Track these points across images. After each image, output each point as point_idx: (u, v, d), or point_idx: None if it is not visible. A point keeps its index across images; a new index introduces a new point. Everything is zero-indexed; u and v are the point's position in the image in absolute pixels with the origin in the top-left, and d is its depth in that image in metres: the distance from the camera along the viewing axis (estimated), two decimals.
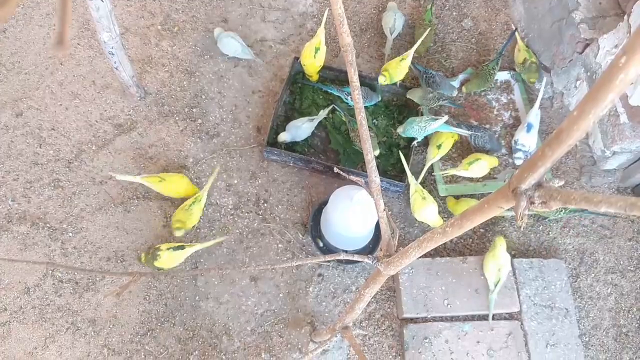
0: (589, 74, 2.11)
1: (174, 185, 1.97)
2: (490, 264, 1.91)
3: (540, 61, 2.36)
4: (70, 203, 2.02)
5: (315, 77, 2.23)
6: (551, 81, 2.32)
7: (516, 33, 2.31)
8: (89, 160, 2.10)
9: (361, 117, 0.92)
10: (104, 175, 2.07)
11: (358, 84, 0.88)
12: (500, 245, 1.91)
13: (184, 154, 2.13)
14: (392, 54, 2.33)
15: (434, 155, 2.08)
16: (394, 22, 2.31)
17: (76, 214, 2.01)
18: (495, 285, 1.90)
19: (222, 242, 1.97)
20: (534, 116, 2.11)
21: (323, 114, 2.11)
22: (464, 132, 2.10)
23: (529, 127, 2.09)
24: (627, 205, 0.58)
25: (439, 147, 2.08)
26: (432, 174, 2.13)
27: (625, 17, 1.95)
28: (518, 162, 2.12)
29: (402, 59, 2.15)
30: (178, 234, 1.90)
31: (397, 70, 2.14)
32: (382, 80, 2.14)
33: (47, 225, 1.98)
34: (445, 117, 2.05)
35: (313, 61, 2.14)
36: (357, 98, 0.89)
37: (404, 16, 2.39)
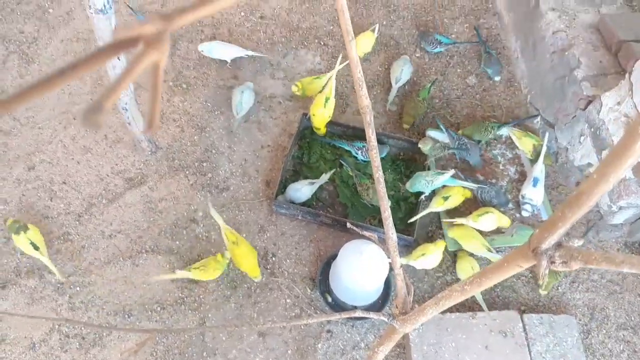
0: (592, 129, 2.15)
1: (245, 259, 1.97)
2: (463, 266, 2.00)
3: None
4: (79, 257, 2.02)
5: (323, 130, 2.26)
6: (555, 137, 2.35)
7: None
8: (99, 213, 2.11)
9: (379, 175, 0.94)
10: (113, 229, 2.08)
11: (375, 143, 0.91)
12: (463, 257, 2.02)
13: (193, 207, 2.15)
14: (396, 102, 2.39)
15: (437, 205, 2.10)
16: (400, 72, 2.40)
17: (84, 267, 2.01)
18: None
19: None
20: (540, 171, 2.14)
21: (325, 177, 2.14)
22: (471, 185, 2.13)
23: (535, 182, 2.12)
24: None
25: (445, 198, 2.10)
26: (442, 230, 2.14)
27: (627, 75, 2.00)
28: (525, 214, 2.14)
29: (317, 77, 2.35)
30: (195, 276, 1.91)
31: (310, 86, 2.33)
32: (294, 89, 2.34)
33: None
34: (452, 172, 2.07)
35: (323, 111, 2.18)
36: (374, 157, 0.91)
37: (412, 67, 2.45)
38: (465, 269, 2.01)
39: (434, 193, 2.17)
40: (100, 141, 2.26)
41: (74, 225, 2.09)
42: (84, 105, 2.33)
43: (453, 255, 2.09)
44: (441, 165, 2.25)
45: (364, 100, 0.85)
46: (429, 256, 1.99)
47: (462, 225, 2.05)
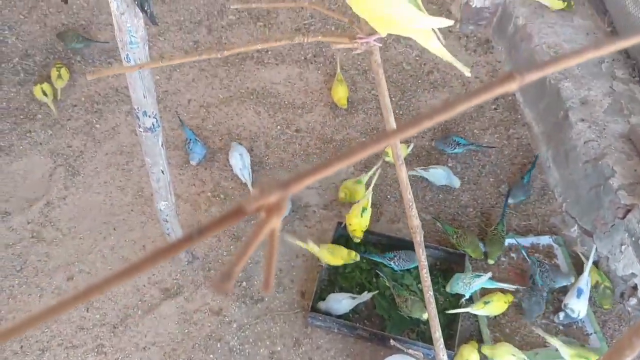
0: (633, 239, 2.12)
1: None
2: None
3: (581, 225, 2.38)
4: None
5: (359, 234, 2.25)
6: (594, 245, 2.32)
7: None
8: (134, 325, 2.10)
9: (429, 295, 0.93)
10: (148, 341, 2.06)
11: (426, 263, 0.91)
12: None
13: (227, 319, 2.12)
14: (430, 211, 2.40)
15: (477, 308, 2.07)
16: (450, 180, 2.49)
17: None
18: None
19: None
20: (585, 283, 2.09)
21: (367, 296, 2.11)
22: (510, 287, 2.12)
23: (579, 293, 2.07)
24: None
25: (485, 303, 2.07)
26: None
27: None
28: (557, 320, 2.13)
29: (359, 181, 2.39)
30: None
31: (355, 191, 2.37)
32: (341, 196, 2.39)
33: None
34: (489, 274, 2.08)
35: (359, 220, 2.21)
36: (425, 276, 0.91)
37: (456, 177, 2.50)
38: None
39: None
40: (138, 252, 2.29)
41: (108, 337, 2.07)
42: (124, 216, 2.39)
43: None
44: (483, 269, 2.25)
45: (414, 220, 0.86)
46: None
47: (497, 344, 2.00)
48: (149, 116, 1.69)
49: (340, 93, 2.74)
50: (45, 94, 2.67)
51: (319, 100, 2.82)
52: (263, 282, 0.40)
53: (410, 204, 0.86)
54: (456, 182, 2.48)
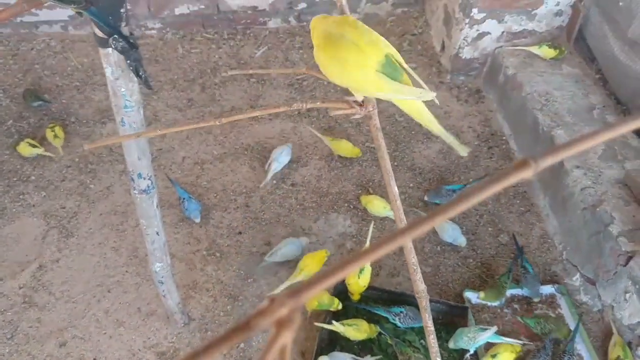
0: (637, 286, 2.08)
1: None
2: None
3: (583, 273, 2.35)
4: None
5: (356, 297, 2.22)
6: (598, 294, 2.28)
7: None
8: None
9: None
10: None
11: (432, 328, 0.88)
12: None
13: None
14: (430, 263, 2.36)
15: None
16: (453, 234, 2.44)
17: None
18: None
19: None
20: None
21: None
22: (516, 342, 2.06)
23: None
24: None
25: (493, 357, 2.01)
26: None
27: None
28: None
29: (361, 269, 2.19)
30: None
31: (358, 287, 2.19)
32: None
33: None
34: (495, 328, 2.03)
35: (357, 281, 2.16)
36: (432, 342, 0.88)
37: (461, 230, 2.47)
38: None
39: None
40: (133, 314, 2.23)
41: None
42: (118, 277, 2.34)
43: None
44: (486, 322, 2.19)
45: (420, 285, 0.83)
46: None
47: None
48: (144, 178, 1.67)
49: (345, 145, 2.75)
50: (56, 135, 2.74)
51: (314, 154, 2.82)
52: None
53: (415, 267, 0.83)
54: (462, 241, 2.44)
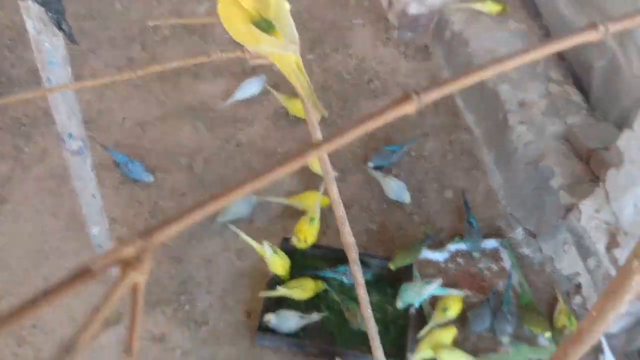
0: (575, 238, 2.14)
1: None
2: None
3: (525, 227, 2.40)
4: None
5: (310, 241, 2.21)
6: (539, 246, 2.33)
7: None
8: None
9: (368, 312, 0.88)
10: None
11: (362, 281, 0.86)
12: None
13: (171, 345, 2.03)
14: (376, 220, 2.37)
15: (439, 318, 2.04)
16: (398, 191, 2.44)
17: None
18: None
19: None
20: None
21: (315, 317, 2.06)
22: (460, 293, 2.11)
23: None
24: None
25: (444, 310, 2.05)
26: None
27: (601, 183, 2.02)
28: None
29: (312, 218, 2.20)
30: None
31: (310, 233, 2.19)
32: (296, 242, 2.18)
33: None
34: (440, 280, 2.06)
35: (309, 227, 2.19)
36: (362, 295, 0.86)
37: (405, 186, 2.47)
38: None
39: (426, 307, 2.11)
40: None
41: None
42: (57, 243, 2.27)
43: None
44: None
45: (348, 237, 0.82)
46: (437, 342, 1.95)
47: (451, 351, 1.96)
48: (75, 139, 1.60)
49: (300, 105, 2.70)
50: None
51: (260, 113, 2.77)
52: (126, 345, 0.34)
53: (343, 220, 0.81)
54: (407, 198, 2.45)
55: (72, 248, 2.26)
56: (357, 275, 0.84)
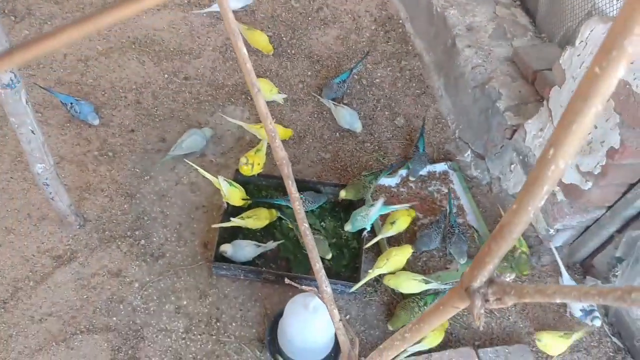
0: (521, 157, 2.20)
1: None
2: None
3: (473, 149, 2.45)
4: (6, 347, 1.87)
5: (257, 169, 2.20)
6: (487, 167, 2.40)
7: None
8: (27, 297, 1.98)
9: (304, 227, 0.90)
10: (44, 312, 1.95)
11: (297, 194, 0.88)
12: None
13: (128, 279, 2.04)
14: (329, 149, 2.38)
15: (386, 230, 2.10)
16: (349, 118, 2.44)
17: (13, 358, 1.85)
18: None
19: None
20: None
21: (271, 245, 2.08)
22: (405, 206, 2.17)
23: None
24: (580, 295, 0.57)
25: (392, 223, 2.11)
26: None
27: (545, 102, 2.06)
28: (597, 324, 2.03)
29: (258, 149, 2.20)
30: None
31: (259, 159, 2.19)
32: (245, 170, 2.17)
33: None
34: (382, 199, 2.09)
35: (257, 153, 2.18)
36: (297, 209, 0.88)
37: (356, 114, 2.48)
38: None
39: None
40: (23, 220, 2.13)
41: None
42: (3, 184, 2.22)
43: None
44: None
45: (279, 152, 0.82)
46: (393, 259, 1.99)
47: (395, 273, 2.02)
48: (5, 70, 1.53)
49: (260, 37, 2.63)
50: None
51: (207, 45, 2.70)
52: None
53: (273, 134, 0.81)
54: (358, 127, 2.46)
55: (19, 189, 2.21)
56: (292, 189, 0.85)
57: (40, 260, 2.06)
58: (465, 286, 0.70)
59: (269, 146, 2.21)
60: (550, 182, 0.58)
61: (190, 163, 2.21)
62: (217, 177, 2.09)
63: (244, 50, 0.72)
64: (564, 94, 1.95)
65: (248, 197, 2.17)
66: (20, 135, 1.70)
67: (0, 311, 1.94)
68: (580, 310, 2.04)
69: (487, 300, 0.68)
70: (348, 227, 2.09)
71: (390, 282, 1.99)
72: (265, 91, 2.45)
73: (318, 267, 0.92)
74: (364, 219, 2.04)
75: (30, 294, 1.99)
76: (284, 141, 2.40)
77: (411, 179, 2.34)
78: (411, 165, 2.32)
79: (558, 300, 0.61)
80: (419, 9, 2.76)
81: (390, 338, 0.89)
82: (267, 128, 0.80)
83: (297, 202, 0.87)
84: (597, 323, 2.00)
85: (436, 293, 2.01)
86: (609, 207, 2.05)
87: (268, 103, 2.47)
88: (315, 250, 0.91)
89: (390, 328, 1.96)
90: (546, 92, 2.08)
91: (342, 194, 2.18)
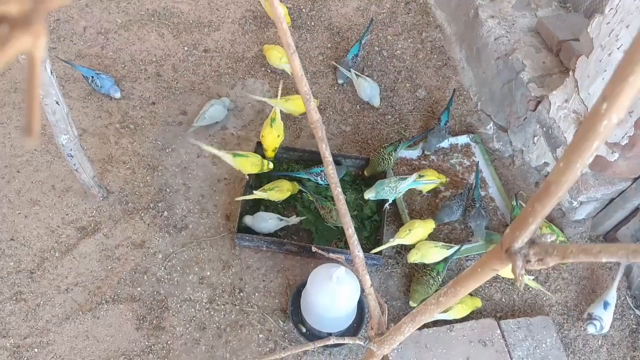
0: (544, 129, 2.17)
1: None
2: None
3: (496, 122, 2.42)
4: (34, 316, 1.91)
5: (270, 154, 2.19)
6: (509, 140, 2.37)
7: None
8: (53, 268, 2.01)
9: (338, 191, 0.90)
10: (69, 282, 1.98)
11: (331, 158, 0.87)
12: None
13: (152, 250, 2.06)
14: (350, 122, 2.37)
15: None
16: (370, 89, 2.42)
17: (41, 327, 1.89)
18: None
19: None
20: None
21: (295, 220, 2.08)
22: (435, 181, 2.15)
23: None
24: (629, 254, 0.56)
25: (421, 176, 2.12)
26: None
27: (570, 73, 2.03)
28: (591, 331, 1.95)
29: (272, 119, 2.14)
30: None
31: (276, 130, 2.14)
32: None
33: (10, 342, 1.85)
34: (415, 175, 2.06)
35: (270, 130, 2.13)
36: (331, 173, 0.87)
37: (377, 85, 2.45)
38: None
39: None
40: (47, 192, 2.16)
41: (26, 283, 1.97)
42: (27, 157, 2.24)
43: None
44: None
45: (314, 115, 0.81)
46: (415, 231, 1.99)
47: (415, 245, 2.01)
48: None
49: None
50: None
51: (226, 17, 2.68)
52: (25, 125, 0.32)
53: (308, 97, 0.80)
54: (377, 102, 2.44)
55: (44, 161, 2.23)
56: (326, 153, 0.84)
57: (65, 232, 2.08)
58: (506, 247, 0.69)
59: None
60: (601, 137, 0.56)
61: (193, 141, 2.16)
62: (220, 152, 2.04)
63: (280, 9, 0.71)
64: (591, 64, 1.91)
65: (268, 159, 2.15)
66: (45, 106, 1.71)
67: (27, 281, 1.98)
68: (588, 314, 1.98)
69: (528, 261, 0.68)
70: (370, 195, 2.06)
71: (414, 257, 1.98)
72: (275, 59, 2.43)
73: (351, 232, 0.92)
74: (392, 190, 2.02)
75: (56, 264, 2.01)
76: (302, 115, 2.39)
77: (427, 152, 2.32)
78: (428, 138, 2.30)
79: (604, 260, 0.60)
80: None
81: (424, 302, 0.89)
82: (301, 90, 0.79)
83: (331, 166, 0.86)
84: (591, 329, 1.95)
85: (445, 260, 2.00)
86: (635, 179, 2.02)
87: (284, 74, 2.45)
88: (348, 215, 0.91)
89: (412, 304, 1.96)
90: (572, 63, 2.04)
91: (367, 171, 2.19)
